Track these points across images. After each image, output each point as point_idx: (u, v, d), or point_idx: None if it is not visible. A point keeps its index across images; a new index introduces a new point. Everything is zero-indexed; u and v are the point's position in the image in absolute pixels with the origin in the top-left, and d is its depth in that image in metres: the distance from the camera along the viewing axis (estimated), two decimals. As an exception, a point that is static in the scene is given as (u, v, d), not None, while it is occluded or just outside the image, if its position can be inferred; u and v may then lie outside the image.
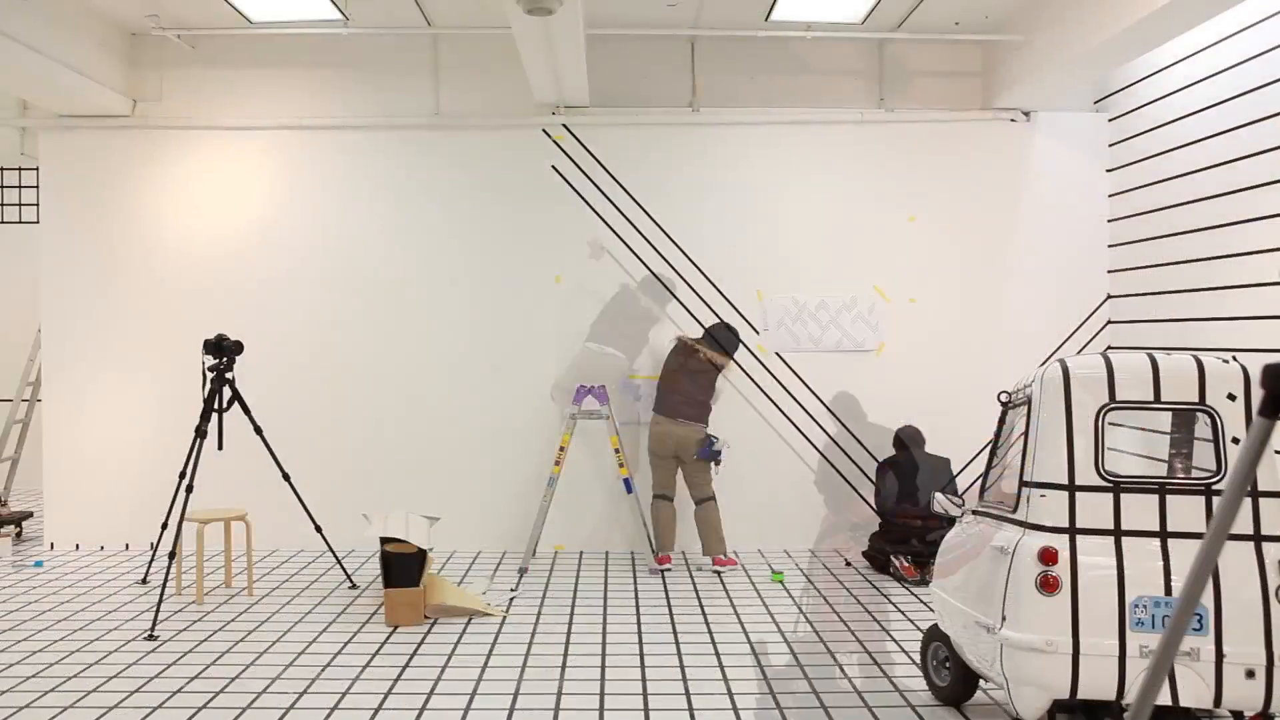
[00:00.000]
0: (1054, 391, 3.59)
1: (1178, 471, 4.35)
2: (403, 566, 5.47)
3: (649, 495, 6.90)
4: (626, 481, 6.72)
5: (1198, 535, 3.35)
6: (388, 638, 5.19)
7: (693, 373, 6.71)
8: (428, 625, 5.40)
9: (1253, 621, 3.28)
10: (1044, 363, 4.04)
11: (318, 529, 6.25)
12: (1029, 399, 3.74)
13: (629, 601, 5.91)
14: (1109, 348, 7.09)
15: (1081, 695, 3.33)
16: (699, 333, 7.06)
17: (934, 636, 4.25)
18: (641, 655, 4.91)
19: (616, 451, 6.76)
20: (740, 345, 7.07)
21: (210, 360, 5.98)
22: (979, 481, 4.23)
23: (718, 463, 6.64)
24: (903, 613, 5.67)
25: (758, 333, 7.35)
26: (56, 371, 7.36)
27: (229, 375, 5.98)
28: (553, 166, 7.30)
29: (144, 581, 6.33)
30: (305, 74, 7.35)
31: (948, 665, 4.16)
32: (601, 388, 6.82)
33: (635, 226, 7.32)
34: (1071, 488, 3.49)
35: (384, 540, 5.52)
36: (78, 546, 7.32)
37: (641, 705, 4.23)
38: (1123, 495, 3.46)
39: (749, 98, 7.40)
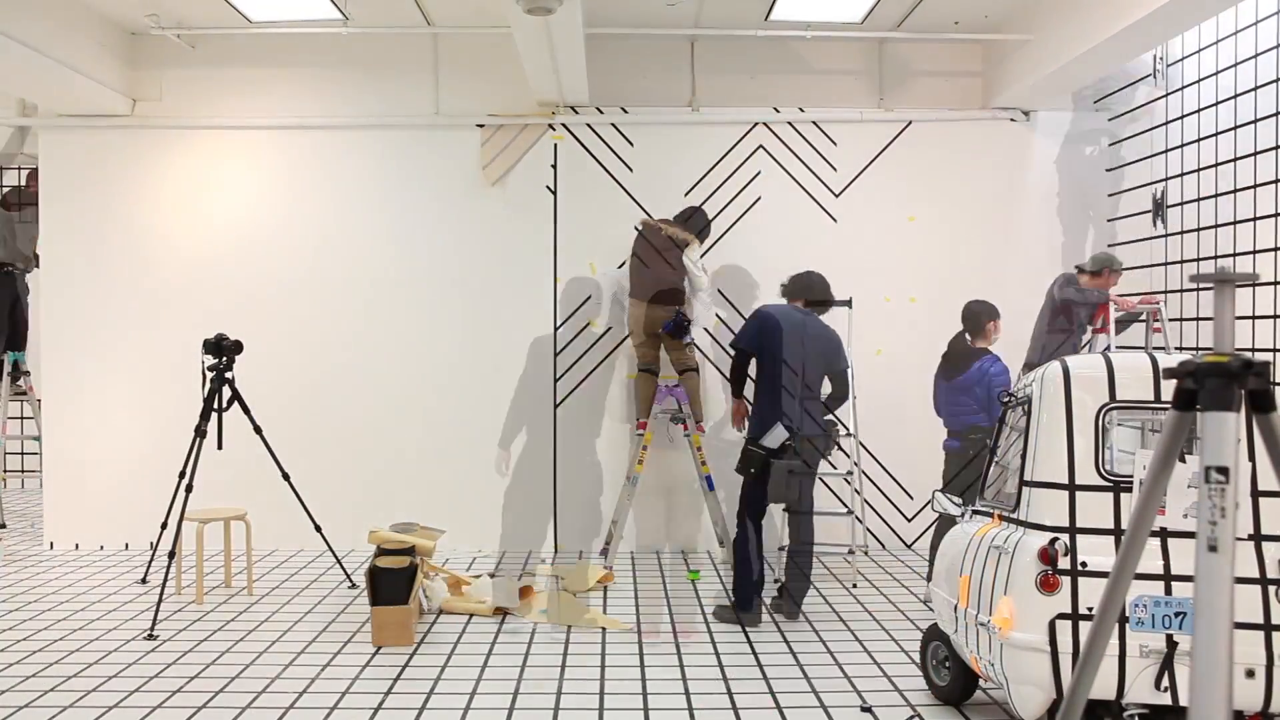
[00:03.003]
0: (1054, 391, 3.60)
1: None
2: (391, 583, 5.15)
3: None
4: (708, 479, 6.74)
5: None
6: (387, 637, 5.18)
7: (658, 253, 6.67)
8: (421, 635, 5.33)
9: (1252, 621, 3.28)
10: (1044, 362, 4.04)
11: (317, 529, 6.25)
12: (1029, 399, 3.74)
13: (628, 600, 5.90)
14: (1109, 348, 7.09)
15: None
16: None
17: (934, 636, 4.25)
18: (641, 656, 4.91)
19: (698, 450, 6.76)
20: (707, 228, 7.03)
21: (210, 360, 5.98)
22: (979, 481, 4.23)
23: (680, 337, 6.67)
24: (903, 613, 5.67)
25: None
26: (56, 371, 7.36)
27: (229, 375, 5.98)
28: (547, 187, 7.30)
29: (144, 581, 6.33)
30: (305, 74, 7.34)
31: (947, 665, 4.16)
32: (678, 386, 6.84)
33: (636, 228, 7.32)
34: (1072, 487, 3.49)
35: (378, 552, 5.27)
36: (77, 546, 7.32)
37: (641, 705, 4.23)
38: (1123, 494, 3.47)
39: (749, 98, 7.40)
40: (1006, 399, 4.04)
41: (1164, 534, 3.36)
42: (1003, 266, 7.42)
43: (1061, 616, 3.37)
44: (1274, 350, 5.54)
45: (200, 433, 5.84)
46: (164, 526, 6.41)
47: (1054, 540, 3.41)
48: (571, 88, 6.90)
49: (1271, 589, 3.30)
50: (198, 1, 6.65)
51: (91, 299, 7.34)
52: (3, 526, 7.99)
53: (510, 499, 7.31)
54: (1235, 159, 5.93)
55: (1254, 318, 5.72)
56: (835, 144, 7.43)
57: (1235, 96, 5.93)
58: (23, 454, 10.25)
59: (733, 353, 5.75)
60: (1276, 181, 5.56)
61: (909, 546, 7.40)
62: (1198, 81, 6.32)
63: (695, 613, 5.66)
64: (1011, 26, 6.96)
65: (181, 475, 5.81)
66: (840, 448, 6.93)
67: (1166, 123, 6.70)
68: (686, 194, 7.36)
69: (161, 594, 5.49)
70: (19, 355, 8.15)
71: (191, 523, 5.83)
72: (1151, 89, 6.84)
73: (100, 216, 7.33)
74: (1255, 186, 5.75)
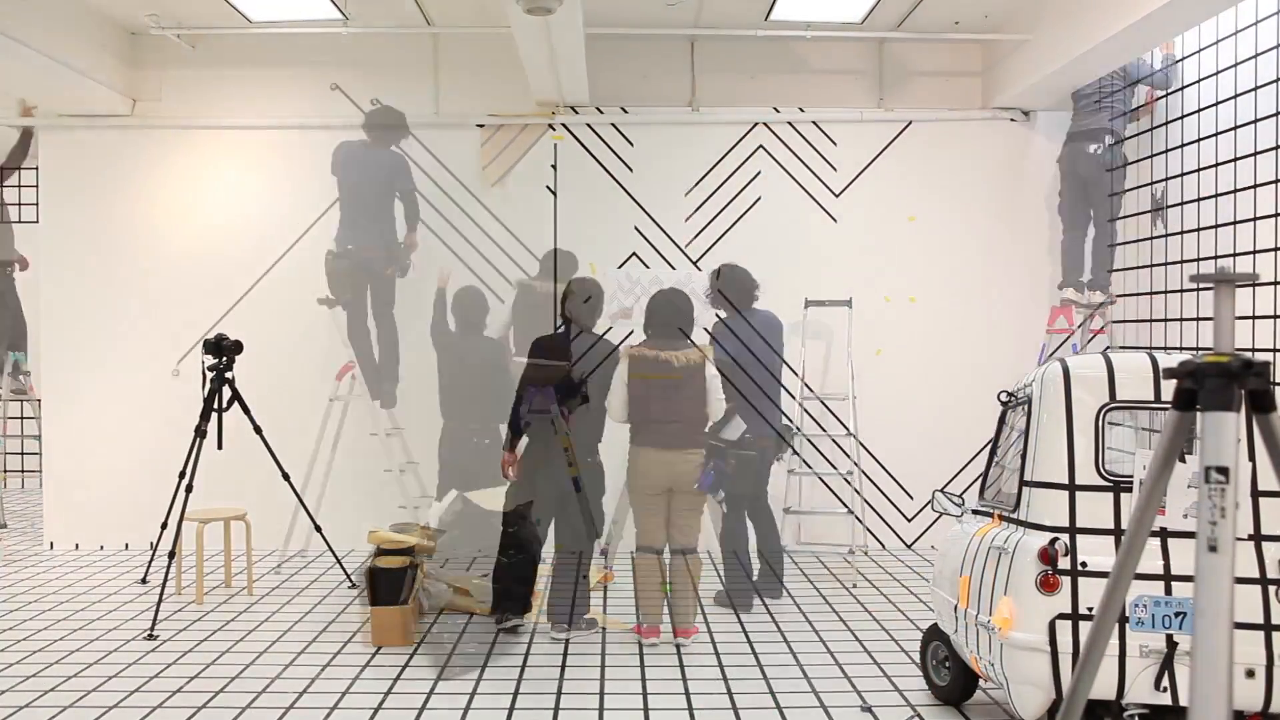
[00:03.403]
0: (1054, 391, 3.59)
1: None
2: (391, 583, 5.14)
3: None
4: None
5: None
6: (387, 637, 5.18)
7: (673, 387, 5.16)
8: (421, 635, 5.30)
9: (1252, 621, 3.28)
10: (1044, 362, 4.04)
11: (317, 529, 6.25)
12: (1029, 399, 3.74)
13: (628, 600, 5.90)
14: (1108, 348, 7.08)
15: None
16: (636, 329, 5.85)
17: (934, 636, 4.25)
18: (641, 656, 4.91)
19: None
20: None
21: (210, 360, 5.98)
22: (979, 481, 4.23)
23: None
24: (903, 613, 5.66)
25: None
26: (56, 371, 7.35)
27: (229, 375, 5.98)
28: (547, 187, 7.30)
29: (144, 581, 6.32)
30: (305, 74, 7.34)
31: (947, 665, 4.16)
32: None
33: (636, 228, 7.32)
34: (1071, 487, 3.49)
35: (377, 552, 5.28)
36: (77, 546, 7.32)
37: (641, 705, 4.23)
38: (1123, 494, 3.47)
39: (749, 98, 7.40)
40: (1006, 399, 4.04)
41: (1164, 534, 3.36)
42: (1003, 266, 7.42)
43: (1061, 616, 3.37)
44: (1274, 350, 5.54)
45: (200, 433, 5.84)
46: (164, 526, 6.41)
47: (1054, 540, 3.41)
48: (571, 88, 6.90)
49: (1271, 589, 3.30)
50: (198, 1, 6.65)
51: (91, 299, 7.33)
52: (3, 526, 7.98)
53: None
54: (1235, 159, 5.92)
55: (1254, 318, 5.71)
56: (835, 144, 7.43)
57: (1235, 96, 5.92)
58: (23, 454, 10.25)
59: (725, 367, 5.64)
60: (1276, 181, 5.56)
61: (909, 546, 7.40)
62: (1198, 81, 6.32)
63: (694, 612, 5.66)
64: (1011, 26, 6.96)
65: (181, 475, 5.81)
66: (811, 442, 7.12)
67: (1167, 123, 6.70)
68: (687, 194, 7.36)
69: (161, 594, 5.49)
70: (19, 355, 8.15)
71: (191, 523, 5.83)
72: (1151, 89, 6.84)
73: (100, 216, 7.33)
74: (1255, 186, 5.74)
